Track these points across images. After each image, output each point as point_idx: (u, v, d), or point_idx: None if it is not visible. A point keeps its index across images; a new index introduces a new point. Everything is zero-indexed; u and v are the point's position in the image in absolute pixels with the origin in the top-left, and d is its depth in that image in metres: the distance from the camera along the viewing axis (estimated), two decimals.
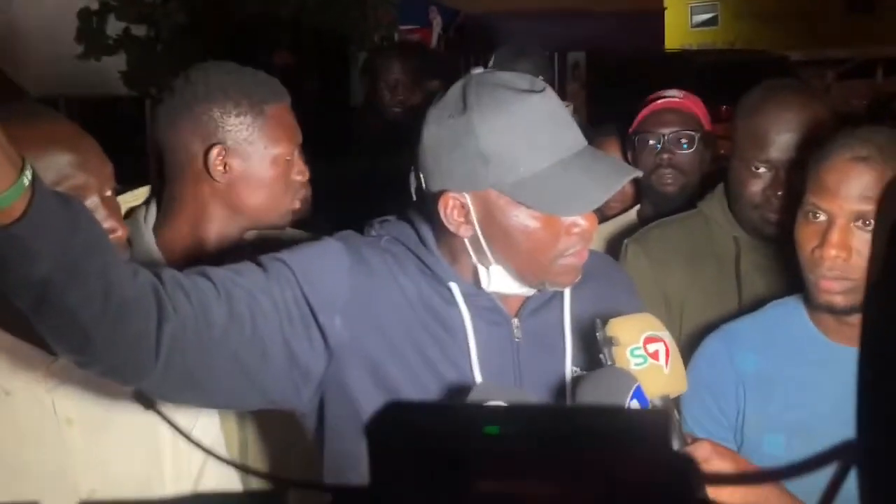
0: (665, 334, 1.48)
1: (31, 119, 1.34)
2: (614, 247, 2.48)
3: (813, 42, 17.21)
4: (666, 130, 2.45)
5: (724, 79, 10.91)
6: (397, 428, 0.51)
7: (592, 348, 1.52)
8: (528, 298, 1.52)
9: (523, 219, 1.40)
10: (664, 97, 2.51)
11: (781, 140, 1.98)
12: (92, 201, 1.35)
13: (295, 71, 7.87)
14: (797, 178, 1.91)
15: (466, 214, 1.42)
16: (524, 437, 0.50)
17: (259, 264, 1.39)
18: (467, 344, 1.45)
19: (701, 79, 10.97)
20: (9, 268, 1.06)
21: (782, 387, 1.76)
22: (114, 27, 7.53)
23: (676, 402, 1.56)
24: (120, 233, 1.37)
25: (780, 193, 1.98)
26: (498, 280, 1.47)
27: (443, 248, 1.49)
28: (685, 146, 2.44)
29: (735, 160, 2.07)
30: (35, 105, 1.38)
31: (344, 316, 1.40)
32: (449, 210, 1.42)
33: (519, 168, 1.38)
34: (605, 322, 1.44)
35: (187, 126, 1.79)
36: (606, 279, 1.63)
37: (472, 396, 1.33)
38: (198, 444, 1.34)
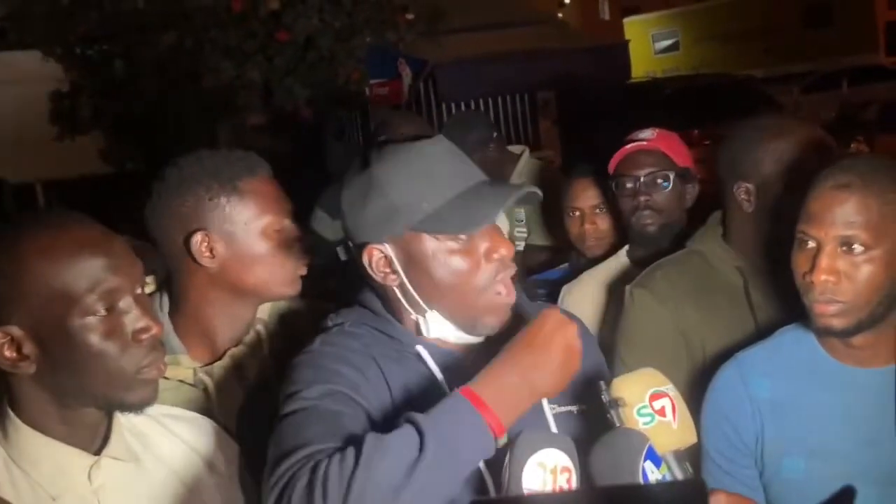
0: (669, 388, 1.49)
1: (61, 226, 1.36)
2: (611, 290, 2.51)
3: (773, 59, 17.46)
4: (640, 172, 2.49)
5: (693, 103, 11.09)
6: None
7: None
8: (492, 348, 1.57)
9: (440, 252, 1.50)
10: (636, 140, 2.55)
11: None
12: (125, 302, 1.36)
13: (268, 131, 7.92)
14: (782, 205, 1.98)
15: (390, 264, 1.52)
16: None
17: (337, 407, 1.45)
18: None
19: (670, 105, 11.13)
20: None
21: (797, 411, 1.79)
22: (86, 107, 7.55)
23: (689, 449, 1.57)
24: (155, 331, 1.38)
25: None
26: (436, 326, 1.54)
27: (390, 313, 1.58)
28: (662, 186, 2.48)
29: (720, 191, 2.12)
30: (64, 211, 1.39)
31: (368, 399, 1.49)
32: (374, 262, 1.52)
33: (422, 205, 1.48)
34: (608, 383, 1.46)
35: (169, 222, 1.81)
36: None
37: (519, 444, 1.35)
38: None
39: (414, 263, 1.51)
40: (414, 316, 1.55)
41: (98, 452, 1.42)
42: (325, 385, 1.46)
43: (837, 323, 1.68)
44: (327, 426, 1.40)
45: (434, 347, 1.55)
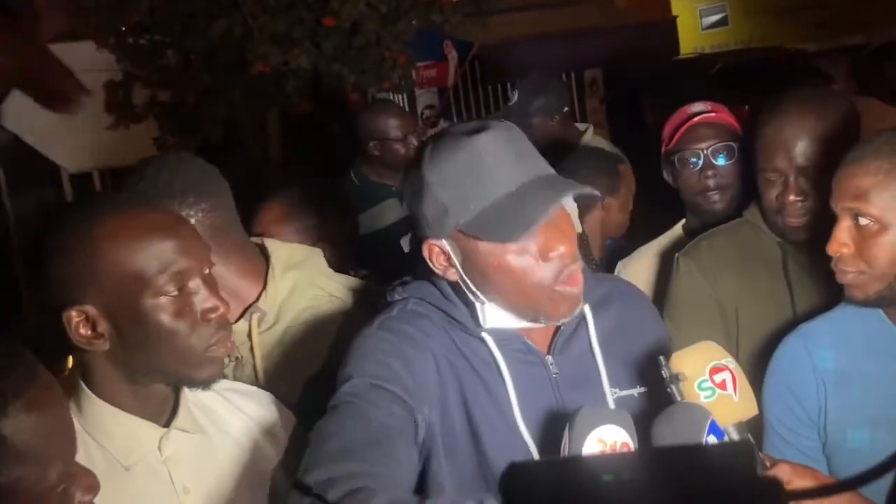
0: (729, 361, 1.49)
1: (132, 210, 1.40)
2: (665, 262, 2.52)
3: (825, 32, 17.11)
4: (704, 145, 2.44)
5: (743, 79, 10.93)
6: (529, 484, 0.58)
7: (625, 368, 1.58)
8: (556, 335, 1.58)
9: (493, 253, 1.46)
10: (695, 112, 2.50)
11: (787, 148, 2.02)
12: (195, 282, 1.40)
13: (315, 117, 7.96)
14: (809, 184, 2.00)
15: (448, 259, 1.51)
16: (634, 482, 0.58)
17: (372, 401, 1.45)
18: (506, 390, 1.52)
19: (719, 82, 10.98)
20: None
21: (862, 382, 1.78)
22: (140, 95, 7.67)
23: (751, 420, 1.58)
24: (222, 310, 1.42)
25: (791, 198, 2.03)
26: (493, 316, 1.53)
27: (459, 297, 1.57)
28: (726, 158, 2.43)
29: (756, 169, 2.11)
30: (135, 196, 1.44)
31: (416, 398, 1.48)
32: (434, 256, 1.52)
33: (469, 206, 1.44)
34: (667, 358, 1.47)
35: None
36: (624, 300, 1.68)
37: (579, 420, 1.36)
38: None
39: (469, 261, 1.49)
40: (472, 302, 1.55)
41: (167, 425, 1.46)
42: (374, 379, 1.46)
43: (856, 293, 1.71)
44: (368, 434, 1.39)
45: (499, 333, 1.55)
